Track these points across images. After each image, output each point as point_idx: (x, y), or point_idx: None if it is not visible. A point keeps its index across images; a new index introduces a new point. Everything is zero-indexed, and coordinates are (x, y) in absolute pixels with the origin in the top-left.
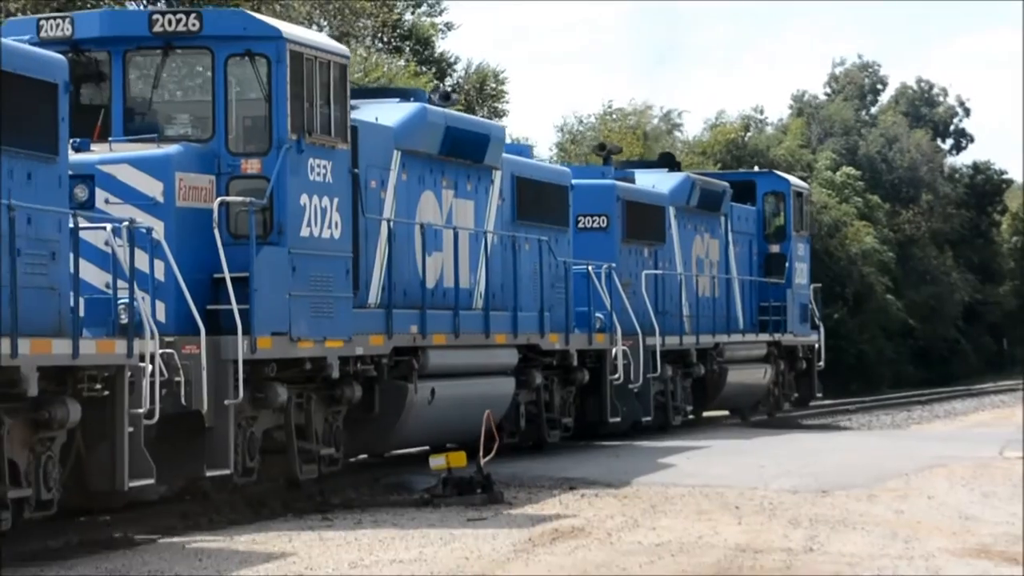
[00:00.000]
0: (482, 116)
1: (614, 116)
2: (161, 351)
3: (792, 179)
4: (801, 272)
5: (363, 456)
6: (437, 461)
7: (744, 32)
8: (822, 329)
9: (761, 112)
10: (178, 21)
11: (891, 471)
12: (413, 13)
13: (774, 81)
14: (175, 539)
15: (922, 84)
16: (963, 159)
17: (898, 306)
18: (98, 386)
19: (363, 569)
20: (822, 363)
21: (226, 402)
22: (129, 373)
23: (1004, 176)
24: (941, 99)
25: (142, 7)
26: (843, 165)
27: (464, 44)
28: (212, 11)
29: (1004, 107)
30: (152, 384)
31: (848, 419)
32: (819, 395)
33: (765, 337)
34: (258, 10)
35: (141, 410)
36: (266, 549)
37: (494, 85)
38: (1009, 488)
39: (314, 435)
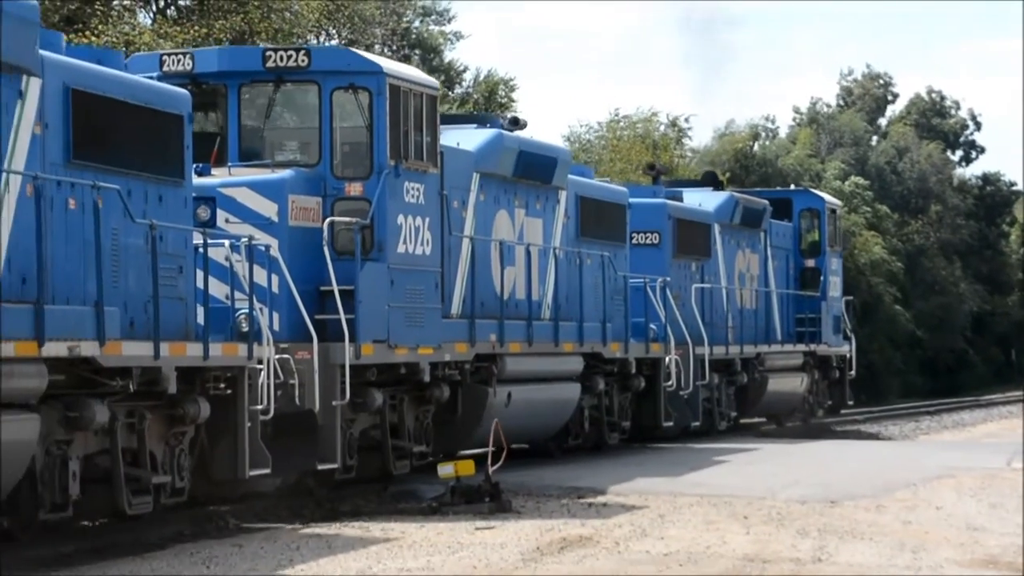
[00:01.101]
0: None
1: (622, 124)
2: (276, 356)
3: (827, 197)
4: (834, 285)
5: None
6: (445, 470)
7: (753, 39)
8: (854, 340)
9: (773, 121)
10: (289, 57)
11: (899, 481)
12: (422, 22)
13: (782, 90)
14: (184, 545)
15: (933, 95)
16: (972, 170)
17: (906, 316)
18: (222, 385)
19: None
20: (853, 372)
21: (334, 403)
22: (249, 374)
23: (1014, 187)
24: (953, 111)
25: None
26: (852, 175)
27: (473, 51)
28: (319, 48)
29: (1014, 118)
30: (268, 385)
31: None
32: (850, 403)
33: (801, 347)
34: (268, 18)
35: (259, 407)
36: (275, 557)
37: (504, 93)
38: (1017, 499)
39: (407, 434)
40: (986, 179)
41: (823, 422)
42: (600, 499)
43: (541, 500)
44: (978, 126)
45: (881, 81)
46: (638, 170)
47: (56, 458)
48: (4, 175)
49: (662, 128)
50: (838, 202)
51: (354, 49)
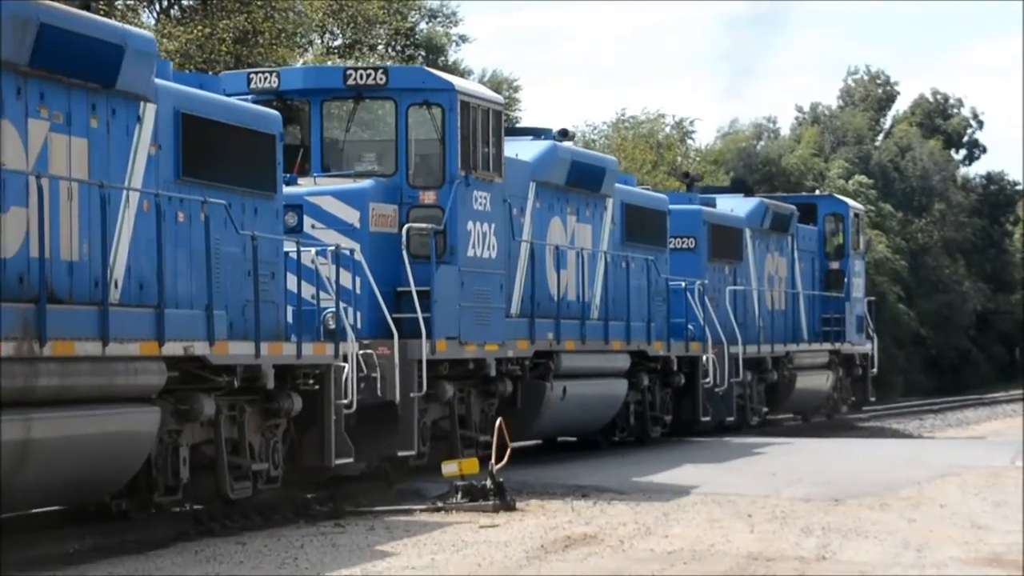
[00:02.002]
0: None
1: (627, 125)
2: (360, 352)
3: (850, 202)
4: (857, 287)
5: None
6: (450, 468)
7: (753, 40)
8: (875, 339)
9: (774, 123)
10: (368, 76)
11: (903, 480)
12: (428, 23)
13: (784, 90)
14: (188, 544)
15: (937, 96)
16: (976, 169)
17: (910, 315)
18: (311, 381)
19: None
20: (875, 370)
21: (412, 395)
22: (335, 371)
23: (1017, 187)
24: (956, 111)
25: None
26: (855, 173)
27: (477, 51)
28: (396, 67)
29: (1017, 117)
30: (352, 380)
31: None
32: (872, 399)
33: (827, 346)
34: (270, 19)
35: (344, 401)
36: (279, 555)
37: (508, 93)
38: (1021, 497)
39: (473, 424)
40: (990, 178)
41: (846, 418)
42: (604, 497)
43: (545, 498)
44: (980, 124)
45: (880, 80)
46: (642, 168)
47: (168, 446)
48: (125, 192)
49: (668, 129)
50: (861, 207)
51: (427, 68)
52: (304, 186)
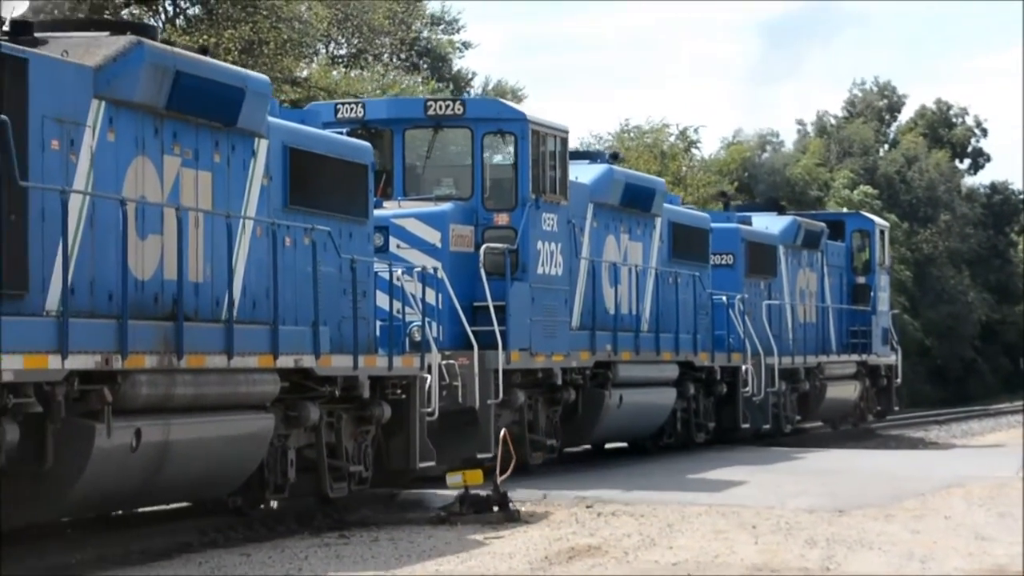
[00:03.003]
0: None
1: (631, 134)
2: (443, 362)
3: (876, 219)
4: (883, 300)
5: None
6: (454, 479)
7: (760, 53)
8: (899, 351)
9: (776, 136)
10: (447, 106)
11: (908, 491)
12: (431, 30)
13: (788, 101)
14: (191, 555)
15: (941, 105)
16: (980, 179)
17: (915, 325)
18: (399, 391)
19: None
20: (899, 380)
21: (489, 401)
22: (420, 381)
23: (1022, 196)
24: (959, 120)
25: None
26: (860, 184)
27: (482, 60)
28: (473, 99)
29: (1019, 126)
30: (435, 388)
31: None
32: (896, 408)
33: (855, 358)
34: (276, 28)
35: (428, 409)
36: (282, 566)
37: (512, 102)
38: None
39: (540, 429)
40: (994, 188)
41: (871, 427)
42: (609, 508)
43: (550, 509)
44: (984, 132)
45: (887, 92)
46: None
47: (278, 449)
48: (241, 220)
49: (672, 138)
50: (886, 223)
51: (502, 100)
52: (389, 209)
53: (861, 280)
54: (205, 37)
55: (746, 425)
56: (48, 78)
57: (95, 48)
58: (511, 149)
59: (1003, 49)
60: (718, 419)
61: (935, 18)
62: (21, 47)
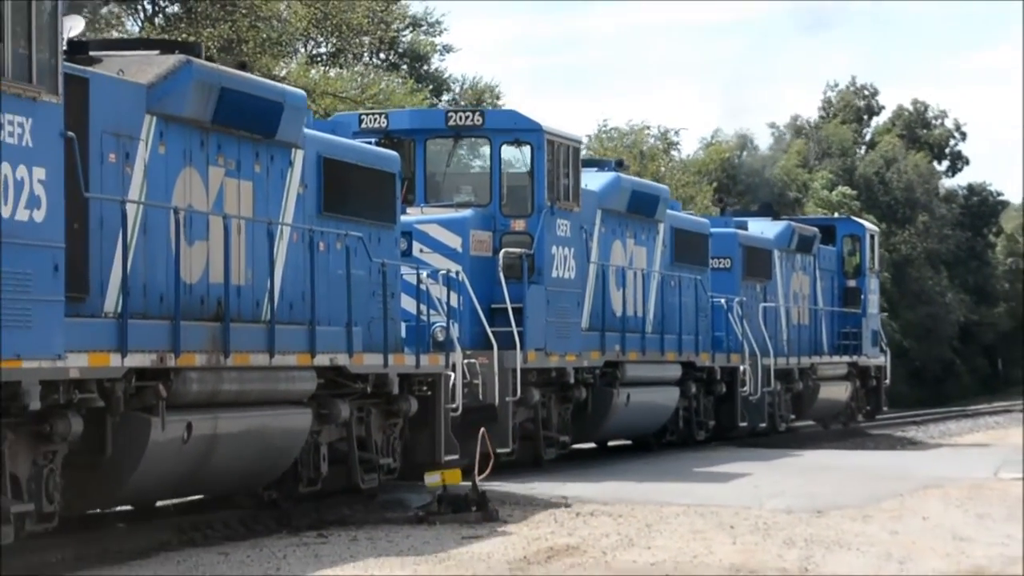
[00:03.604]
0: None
1: (610, 135)
2: (464, 361)
3: (867, 224)
4: (873, 303)
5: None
6: (432, 478)
7: (739, 54)
8: (888, 352)
9: (752, 141)
10: (467, 117)
11: (886, 492)
12: (412, 31)
13: (766, 102)
14: (170, 553)
15: (918, 105)
16: (958, 180)
17: (893, 326)
18: (424, 387)
19: None
20: (888, 381)
21: (507, 399)
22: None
23: (1000, 198)
24: (937, 122)
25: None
26: (839, 185)
27: (461, 60)
28: (492, 110)
29: (998, 127)
30: (458, 385)
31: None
32: (885, 408)
33: (846, 359)
34: (255, 27)
35: (452, 404)
36: (261, 565)
37: (490, 101)
38: (1004, 509)
39: (553, 426)
40: (972, 189)
41: (860, 426)
42: (587, 508)
43: (528, 509)
44: (963, 136)
45: (866, 92)
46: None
47: (311, 444)
48: (279, 227)
49: (652, 140)
50: (876, 228)
51: (518, 110)
52: (412, 215)
53: (852, 283)
54: (184, 35)
55: (743, 423)
56: (106, 95)
57: (147, 66)
58: (528, 158)
59: (982, 49)
60: (717, 417)
61: (911, 19)
62: (82, 67)
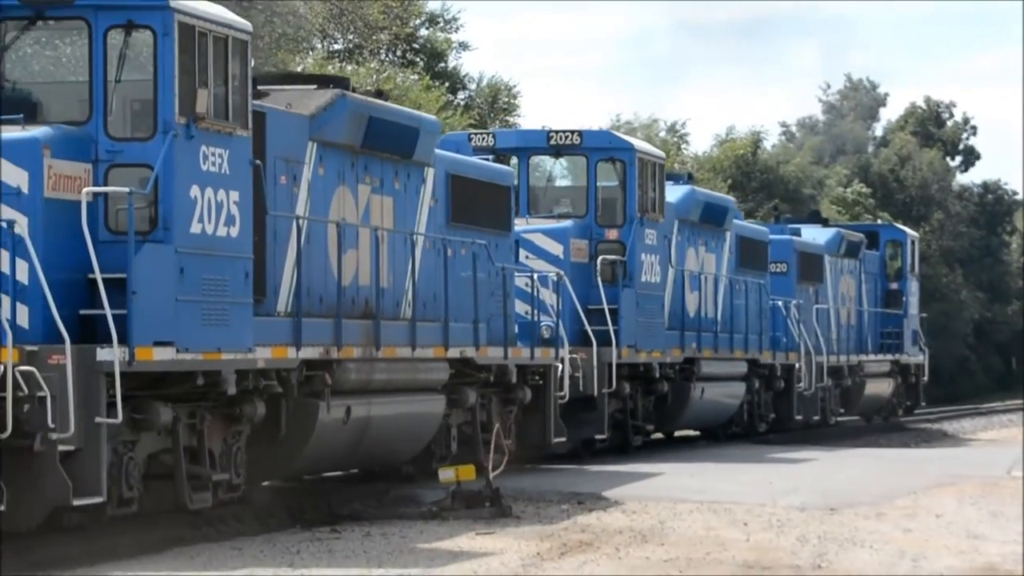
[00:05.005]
0: (494, 128)
1: (622, 130)
2: (570, 356)
3: (908, 231)
4: (913, 305)
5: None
6: (446, 474)
7: (746, 48)
8: (927, 351)
9: (764, 136)
10: (566, 137)
11: (899, 489)
12: (429, 28)
13: (772, 98)
14: (183, 548)
15: (931, 104)
16: (971, 176)
17: None
18: (536, 377)
19: None
20: (926, 378)
21: (603, 391)
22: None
23: (1016, 196)
24: (947, 116)
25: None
26: (854, 181)
27: (476, 57)
28: (588, 131)
29: (1008, 125)
30: (566, 377)
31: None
32: (923, 404)
33: (889, 357)
34: (271, 23)
35: (560, 393)
36: (274, 560)
37: (506, 99)
38: (1017, 507)
39: (639, 415)
40: (986, 187)
41: (900, 420)
42: (600, 505)
43: (541, 506)
44: (973, 130)
45: (867, 86)
46: None
47: (444, 426)
48: (416, 236)
49: (662, 134)
50: (916, 235)
51: (612, 131)
52: (518, 225)
53: (894, 286)
54: None
55: (799, 416)
56: (278, 126)
57: (308, 100)
58: (621, 174)
59: (990, 48)
60: (775, 411)
61: (922, 19)
62: (259, 103)
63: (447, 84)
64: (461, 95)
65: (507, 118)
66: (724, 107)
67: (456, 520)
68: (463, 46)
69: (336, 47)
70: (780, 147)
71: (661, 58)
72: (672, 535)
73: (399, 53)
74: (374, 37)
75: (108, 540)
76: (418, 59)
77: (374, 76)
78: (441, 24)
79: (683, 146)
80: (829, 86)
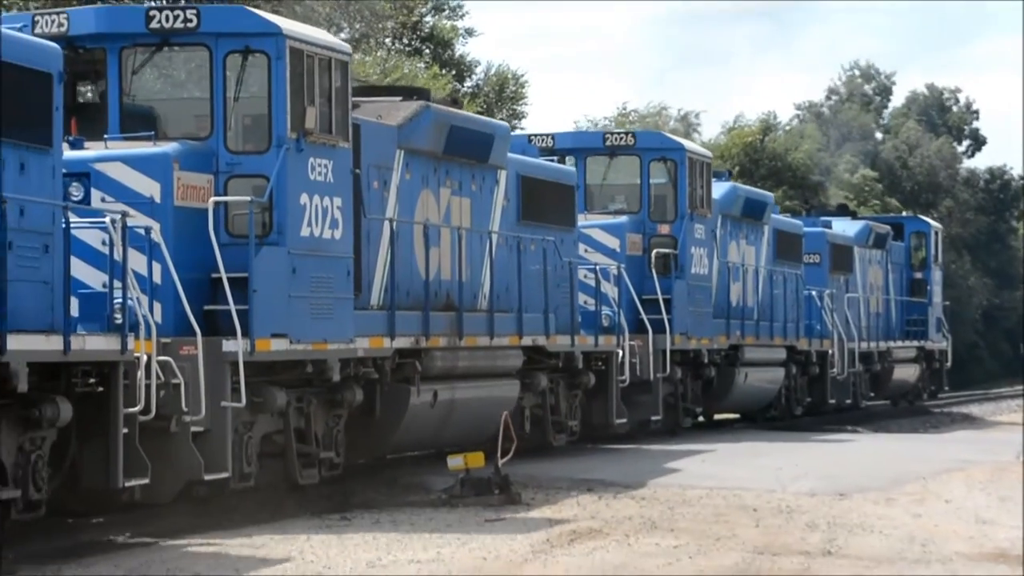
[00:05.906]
0: (501, 118)
1: (631, 118)
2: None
3: (932, 222)
4: (936, 293)
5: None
6: (455, 461)
7: (757, 35)
8: (950, 338)
9: (774, 118)
10: (620, 138)
11: (909, 474)
12: (435, 16)
13: (782, 86)
14: (195, 538)
15: (933, 90)
16: (978, 162)
17: None
18: (599, 363)
19: (381, 569)
20: (949, 364)
21: (658, 375)
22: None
23: (1022, 182)
24: (951, 103)
25: None
26: (861, 167)
27: (482, 46)
28: (641, 132)
29: (1012, 110)
30: (626, 362)
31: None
32: (946, 388)
33: (915, 343)
34: (278, 12)
35: (622, 377)
36: (285, 548)
37: (514, 88)
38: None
39: (689, 399)
40: (992, 174)
41: (924, 404)
42: (610, 491)
43: (551, 492)
44: (976, 114)
45: (874, 72)
46: None
47: (518, 409)
48: (491, 234)
49: (672, 123)
50: (940, 226)
51: (664, 133)
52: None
53: (918, 275)
54: None
55: (832, 400)
56: (371, 137)
57: (395, 111)
58: (672, 173)
59: (993, 35)
60: (811, 395)
61: (923, 7)
62: (354, 115)
63: (453, 72)
64: (468, 83)
65: (514, 107)
66: (736, 94)
67: (465, 507)
68: (469, 32)
69: (342, 36)
70: (794, 130)
71: (671, 45)
72: (682, 521)
73: (406, 41)
74: (380, 25)
75: (119, 528)
76: (424, 47)
77: (381, 65)
78: (447, 11)
79: (693, 135)
80: (851, 67)
